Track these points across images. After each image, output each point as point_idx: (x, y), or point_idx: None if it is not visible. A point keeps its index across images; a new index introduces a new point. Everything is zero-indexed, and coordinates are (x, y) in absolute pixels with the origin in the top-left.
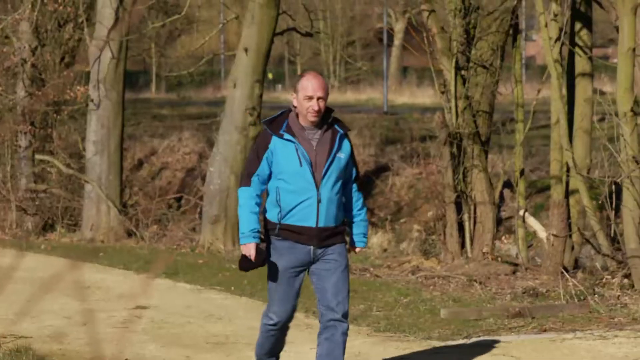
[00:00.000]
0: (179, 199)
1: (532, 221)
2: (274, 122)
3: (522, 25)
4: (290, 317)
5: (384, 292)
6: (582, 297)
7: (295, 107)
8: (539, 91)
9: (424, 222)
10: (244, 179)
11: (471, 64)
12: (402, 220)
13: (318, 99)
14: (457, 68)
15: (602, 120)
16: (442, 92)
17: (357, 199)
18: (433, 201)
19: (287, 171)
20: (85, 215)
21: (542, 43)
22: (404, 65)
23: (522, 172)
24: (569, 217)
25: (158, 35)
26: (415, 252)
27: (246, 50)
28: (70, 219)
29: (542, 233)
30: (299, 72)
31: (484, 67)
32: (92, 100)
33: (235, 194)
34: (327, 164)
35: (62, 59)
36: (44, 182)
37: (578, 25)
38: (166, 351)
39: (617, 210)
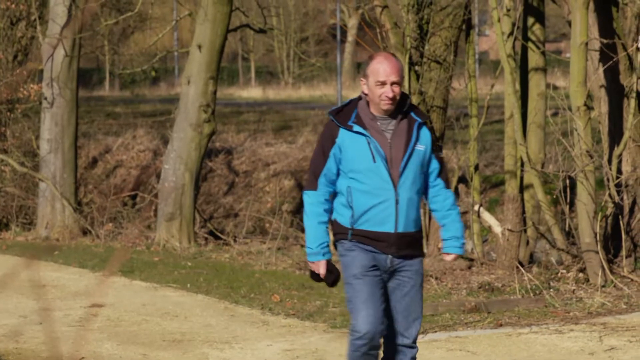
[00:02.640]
0: (134, 197)
1: (487, 216)
2: (341, 112)
3: (475, 20)
4: (380, 328)
5: (339, 288)
6: (537, 292)
7: (365, 94)
8: (492, 86)
9: None
10: (309, 181)
11: (425, 60)
12: None
13: (392, 84)
14: (411, 63)
15: (555, 114)
16: None
17: (445, 197)
18: None
19: (359, 169)
20: (40, 213)
21: (495, 38)
22: (357, 61)
23: (476, 167)
24: (523, 212)
25: (111, 32)
26: None
27: (199, 47)
28: (24, 217)
29: (497, 228)
30: (252, 69)
31: (438, 62)
32: (45, 98)
33: (190, 191)
34: (404, 159)
35: (15, 57)
36: None
37: (531, 20)
38: (123, 349)
39: (572, 204)
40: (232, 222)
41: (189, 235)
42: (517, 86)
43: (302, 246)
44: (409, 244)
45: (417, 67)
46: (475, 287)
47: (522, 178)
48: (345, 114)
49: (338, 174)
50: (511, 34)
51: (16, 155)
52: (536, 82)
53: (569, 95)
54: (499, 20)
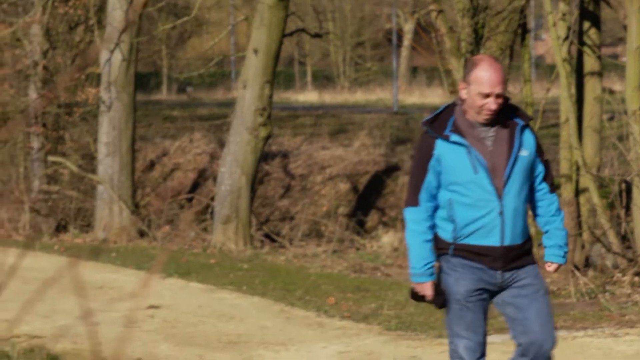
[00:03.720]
0: (190, 200)
1: None
2: (436, 120)
3: (531, 24)
4: (477, 356)
5: (395, 290)
6: (592, 295)
7: (462, 99)
8: (548, 90)
9: None
10: (410, 197)
11: None
12: None
13: (497, 96)
14: (466, 67)
15: (611, 119)
16: (451, 92)
17: (550, 202)
18: None
19: (460, 181)
20: (97, 216)
21: (550, 42)
22: (413, 65)
23: None
24: (579, 216)
25: (168, 37)
26: None
27: (256, 51)
28: (83, 219)
29: None
30: (308, 73)
31: None
32: (103, 102)
33: (246, 194)
34: (508, 167)
35: (73, 61)
36: (57, 183)
37: (586, 24)
38: (179, 350)
39: (628, 208)
40: (288, 225)
41: (245, 237)
42: (573, 90)
43: (358, 249)
44: (517, 257)
45: None
46: None
47: (577, 182)
48: (440, 122)
49: (438, 187)
50: (567, 38)
51: (74, 158)
52: (592, 86)
53: (624, 99)
54: (554, 25)
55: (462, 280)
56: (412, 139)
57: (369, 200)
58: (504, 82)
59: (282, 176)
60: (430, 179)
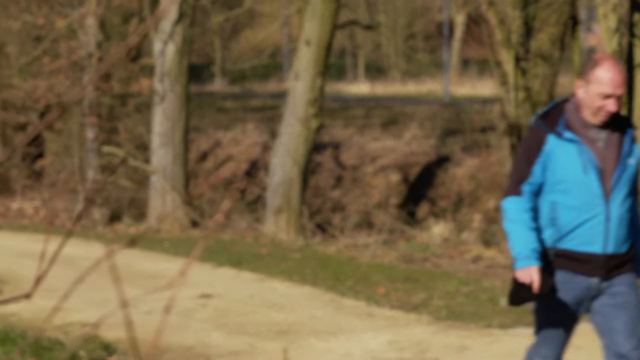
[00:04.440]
0: (242, 190)
1: None
2: (548, 116)
3: (582, 16)
4: None
5: (445, 281)
6: None
7: (576, 98)
8: None
9: (485, 212)
10: (512, 187)
11: (530, 56)
12: (463, 210)
13: (617, 98)
14: (517, 60)
15: None
16: (502, 84)
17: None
18: (494, 191)
19: (568, 180)
20: (150, 206)
21: (601, 34)
22: (464, 57)
23: None
24: None
25: (222, 28)
26: (476, 242)
27: (308, 43)
28: (136, 209)
29: None
30: (360, 64)
31: (544, 58)
32: (157, 93)
33: (298, 184)
34: (617, 172)
35: (127, 52)
36: (111, 173)
37: (637, 16)
38: (230, 339)
39: None
40: (339, 215)
41: (297, 228)
42: None
43: (408, 240)
44: (618, 265)
45: (523, 63)
46: None
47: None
48: (552, 118)
49: (541, 186)
50: (617, 29)
51: (128, 148)
52: None
53: None
54: (605, 16)
55: (558, 299)
56: (462, 130)
57: (419, 191)
58: (625, 83)
59: (333, 167)
60: (536, 174)
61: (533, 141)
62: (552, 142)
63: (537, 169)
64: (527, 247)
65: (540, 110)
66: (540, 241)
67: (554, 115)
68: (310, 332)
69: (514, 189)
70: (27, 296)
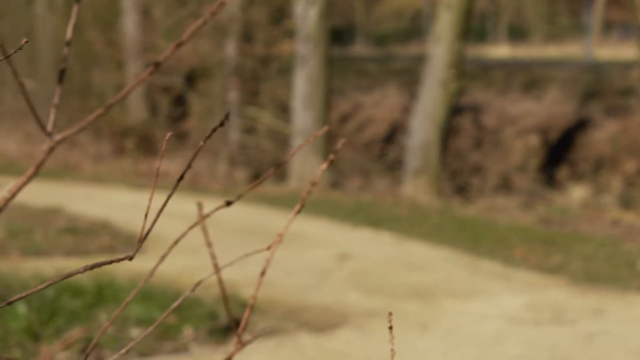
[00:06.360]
0: (382, 152)
1: None
2: None
3: None
4: None
5: (582, 244)
6: None
7: None
8: None
9: (625, 176)
10: None
11: None
12: (602, 174)
13: None
14: None
15: None
16: None
17: None
18: (634, 155)
19: None
20: (291, 167)
21: None
22: (607, 19)
23: None
24: None
25: None
26: (615, 205)
27: (449, 7)
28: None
29: None
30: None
31: None
32: (299, 56)
33: (437, 147)
34: None
35: (270, 16)
36: (253, 135)
37: None
38: (367, 299)
39: None
40: (478, 178)
41: (436, 190)
42: None
43: (547, 203)
44: None
45: None
46: None
47: None
48: None
49: None
50: None
51: (270, 110)
52: None
53: None
54: None
55: None
56: (603, 93)
57: (559, 154)
58: None
59: (473, 130)
60: None
61: None
62: None
63: None
64: None
65: None
66: None
67: None
68: (447, 293)
69: None
70: (130, 258)
